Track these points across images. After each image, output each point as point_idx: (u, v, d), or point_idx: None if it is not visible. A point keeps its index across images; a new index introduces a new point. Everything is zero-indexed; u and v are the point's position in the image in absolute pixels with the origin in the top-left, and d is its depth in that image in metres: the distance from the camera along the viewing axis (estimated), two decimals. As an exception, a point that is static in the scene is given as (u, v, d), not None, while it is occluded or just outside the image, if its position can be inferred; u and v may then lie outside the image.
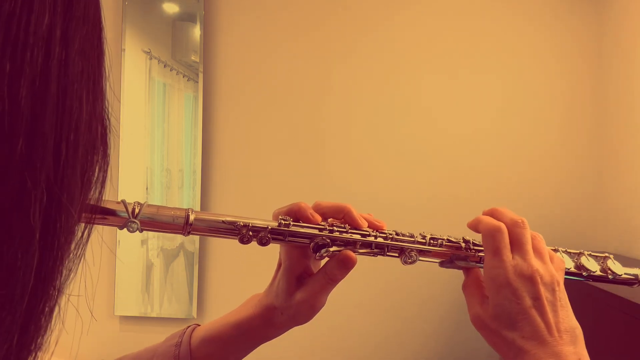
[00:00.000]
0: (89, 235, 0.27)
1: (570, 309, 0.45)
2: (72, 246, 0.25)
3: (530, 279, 0.44)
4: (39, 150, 0.21)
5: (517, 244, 0.46)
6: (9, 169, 0.20)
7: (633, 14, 1.55)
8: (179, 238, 1.71)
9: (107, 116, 0.27)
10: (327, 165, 1.75)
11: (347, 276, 0.47)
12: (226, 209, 1.75)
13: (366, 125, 1.75)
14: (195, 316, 1.73)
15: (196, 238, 1.73)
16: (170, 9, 1.73)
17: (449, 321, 1.72)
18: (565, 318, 0.44)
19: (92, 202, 0.27)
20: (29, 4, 0.21)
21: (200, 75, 1.72)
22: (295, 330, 0.52)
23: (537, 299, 0.44)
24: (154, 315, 1.73)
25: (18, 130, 0.21)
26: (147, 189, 1.72)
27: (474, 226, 0.49)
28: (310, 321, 0.50)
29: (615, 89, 1.64)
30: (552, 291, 0.45)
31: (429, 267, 0.56)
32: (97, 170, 0.26)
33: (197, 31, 1.72)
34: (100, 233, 0.33)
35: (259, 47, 1.76)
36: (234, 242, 0.46)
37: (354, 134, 1.75)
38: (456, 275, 0.54)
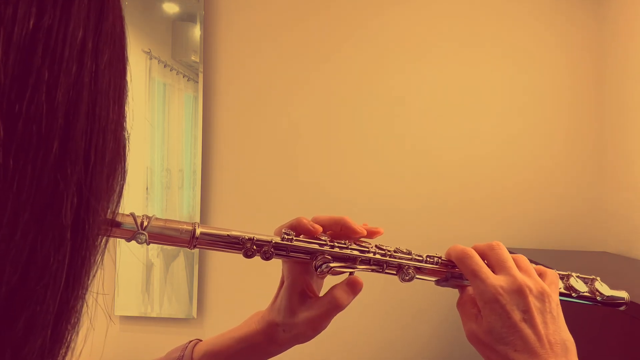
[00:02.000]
0: (105, 244, 0.28)
1: (563, 321, 0.46)
2: (98, 247, 0.26)
3: (518, 292, 0.45)
4: (71, 155, 0.23)
5: (497, 265, 0.47)
6: (43, 170, 0.22)
7: (633, 15, 1.54)
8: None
9: (126, 127, 0.28)
10: (328, 165, 1.75)
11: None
12: (226, 209, 1.75)
13: (367, 125, 1.75)
14: (195, 316, 1.73)
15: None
16: (170, 9, 1.73)
17: (448, 323, 1.72)
18: (557, 330, 0.45)
19: (110, 213, 0.28)
20: (66, 19, 0.23)
21: (200, 75, 1.72)
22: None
23: (526, 311, 0.44)
24: (154, 315, 1.74)
25: (53, 134, 0.22)
26: (147, 189, 1.72)
27: (448, 256, 0.51)
28: None
29: (616, 90, 1.64)
30: (542, 303, 0.45)
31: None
32: (118, 178, 0.28)
33: (197, 31, 1.72)
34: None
35: (259, 47, 1.75)
36: None
37: (355, 134, 1.75)
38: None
